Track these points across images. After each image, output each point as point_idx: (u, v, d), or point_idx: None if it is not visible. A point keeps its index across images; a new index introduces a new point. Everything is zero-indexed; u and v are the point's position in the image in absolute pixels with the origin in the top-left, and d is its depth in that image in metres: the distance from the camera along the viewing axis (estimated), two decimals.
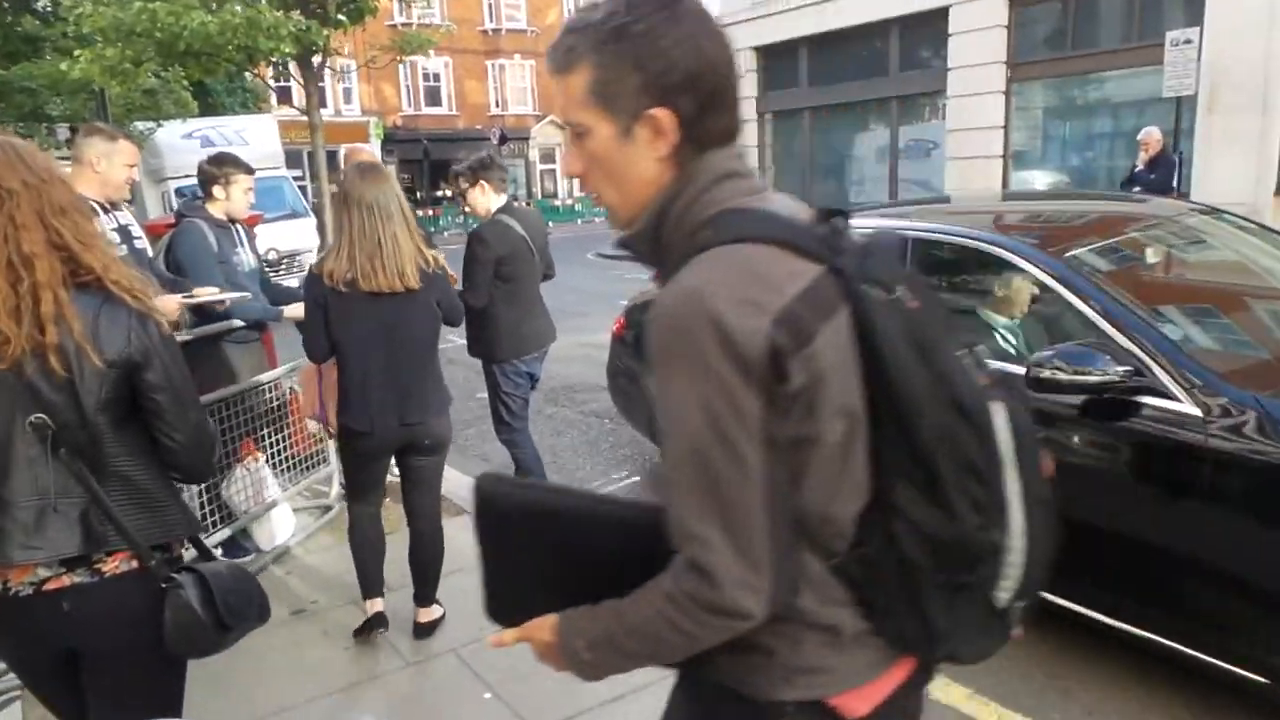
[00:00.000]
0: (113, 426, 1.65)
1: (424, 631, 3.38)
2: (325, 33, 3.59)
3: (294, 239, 12.85)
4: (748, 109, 19.75)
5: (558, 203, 37.36)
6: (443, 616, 3.45)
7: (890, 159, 17.57)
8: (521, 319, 4.25)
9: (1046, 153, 15.66)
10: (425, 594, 3.40)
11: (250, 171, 4.05)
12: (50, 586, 1.64)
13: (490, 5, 37.24)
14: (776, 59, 19.18)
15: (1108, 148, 14.81)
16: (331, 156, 33.47)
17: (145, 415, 1.70)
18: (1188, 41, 10.89)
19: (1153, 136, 9.85)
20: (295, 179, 16.61)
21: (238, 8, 3.49)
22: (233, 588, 1.78)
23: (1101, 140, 14.90)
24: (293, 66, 3.85)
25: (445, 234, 26.49)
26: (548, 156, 40.15)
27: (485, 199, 4.18)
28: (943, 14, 15.45)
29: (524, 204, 4.35)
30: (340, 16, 3.87)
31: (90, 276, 1.64)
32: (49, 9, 15.53)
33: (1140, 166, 9.81)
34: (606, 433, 6.28)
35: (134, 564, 1.69)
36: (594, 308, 12.26)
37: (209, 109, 18.49)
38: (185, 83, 14.74)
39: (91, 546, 1.63)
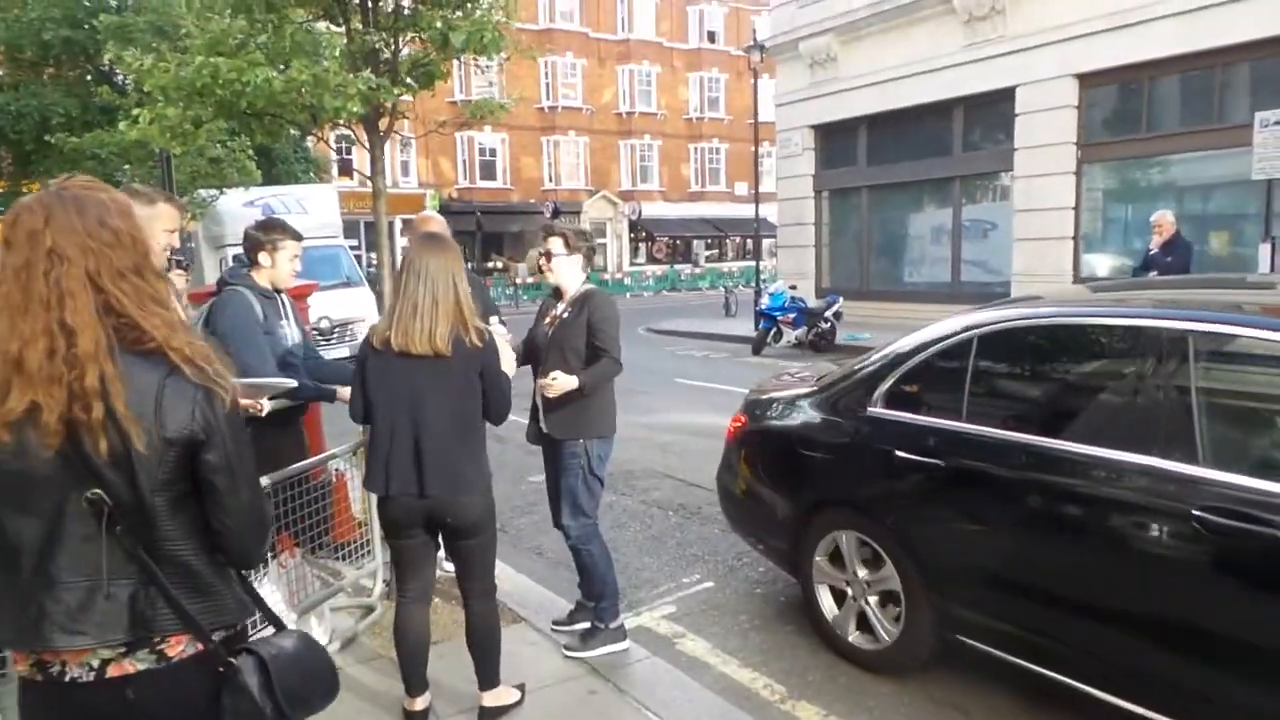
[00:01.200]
0: (169, 507, 1.55)
1: (489, 716, 3.24)
2: (396, 92, 3.46)
3: (347, 308, 12.78)
4: (804, 186, 19.59)
5: (606, 276, 37.45)
6: (519, 701, 3.31)
7: (953, 239, 17.12)
8: (612, 395, 3.92)
9: (1118, 236, 15.11)
10: (483, 676, 3.24)
11: (298, 238, 3.76)
12: (113, 673, 1.54)
13: (547, 83, 38.12)
14: (834, 137, 19.02)
15: (1188, 231, 14.18)
16: (390, 227, 34.24)
17: (199, 495, 1.59)
18: (1278, 123, 10.38)
19: (1166, 219, 9.58)
20: (352, 248, 16.71)
21: (305, 66, 3.37)
22: (295, 670, 1.66)
23: (1181, 224, 14.26)
24: (357, 130, 3.79)
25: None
26: (599, 230, 40.47)
27: (578, 273, 3.84)
28: (1009, 94, 15.16)
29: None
30: (409, 80, 3.76)
31: (152, 344, 1.54)
32: (126, 81, 16.02)
33: (1154, 250, 9.49)
34: (673, 527, 5.77)
35: (197, 646, 1.59)
36: (649, 385, 11.88)
37: (272, 179, 18.81)
38: (250, 151, 14.97)
39: (139, 631, 1.53)
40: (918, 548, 3.48)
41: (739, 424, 4.47)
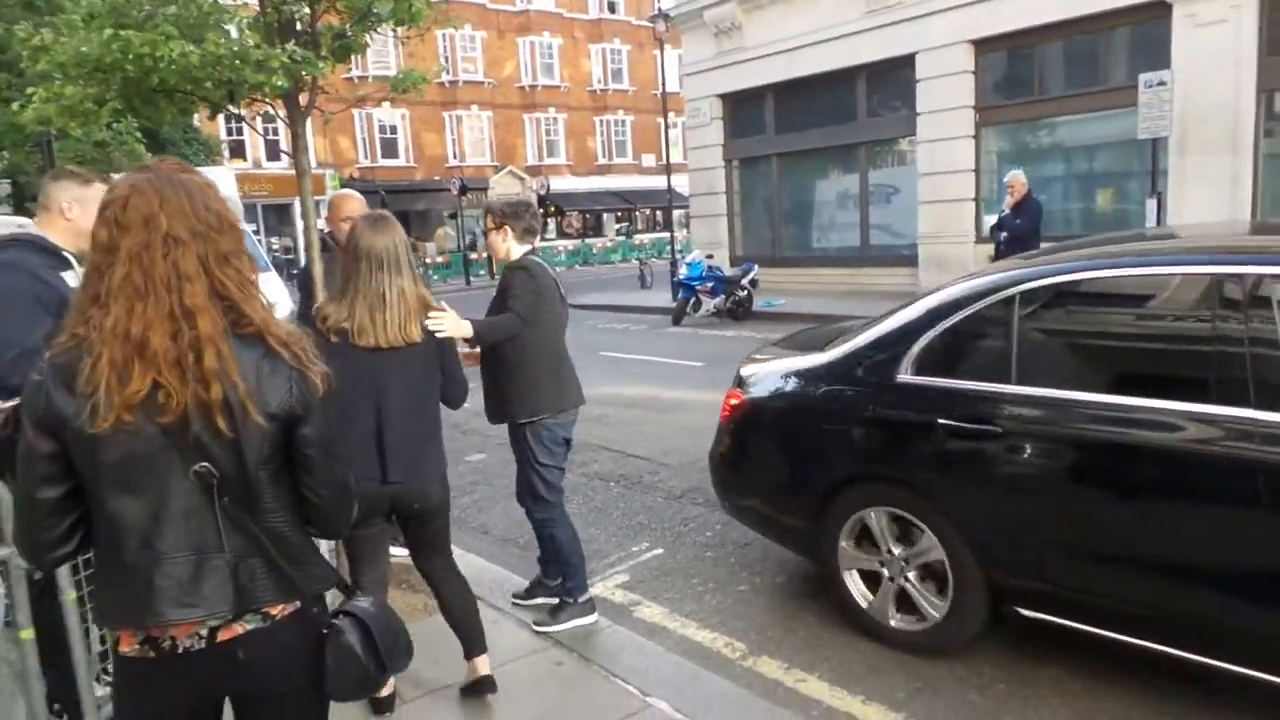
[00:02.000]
0: (270, 480, 1.61)
1: (489, 684, 3.20)
2: (321, 65, 3.27)
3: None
4: (714, 156, 19.72)
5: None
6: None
7: (860, 204, 17.55)
8: (559, 370, 3.79)
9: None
10: (476, 642, 3.20)
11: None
12: (223, 636, 1.60)
13: (446, 57, 37.19)
14: (742, 106, 19.19)
15: (1077, 189, 14.93)
16: (284, 209, 32.82)
17: (293, 469, 1.65)
18: (1161, 83, 10.99)
19: (1018, 180, 9.78)
20: (253, 232, 16.04)
21: (222, 39, 3.14)
22: (387, 628, 1.78)
23: (1070, 183, 15.02)
24: (276, 107, 3.58)
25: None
26: None
27: (506, 245, 3.77)
28: (909, 61, 15.56)
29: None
30: (325, 54, 3.57)
31: (251, 328, 1.59)
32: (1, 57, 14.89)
33: (1006, 210, 9.75)
34: (615, 498, 5.80)
35: (297, 605, 1.66)
36: (575, 359, 11.81)
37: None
38: (138, 134, 14.16)
39: (243, 603, 1.58)
40: (968, 519, 3.29)
41: (736, 401, 4.16)
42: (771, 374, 4.19)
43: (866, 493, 3.62)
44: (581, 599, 3.84)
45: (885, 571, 3.60)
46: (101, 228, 1.55)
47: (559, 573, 3.89)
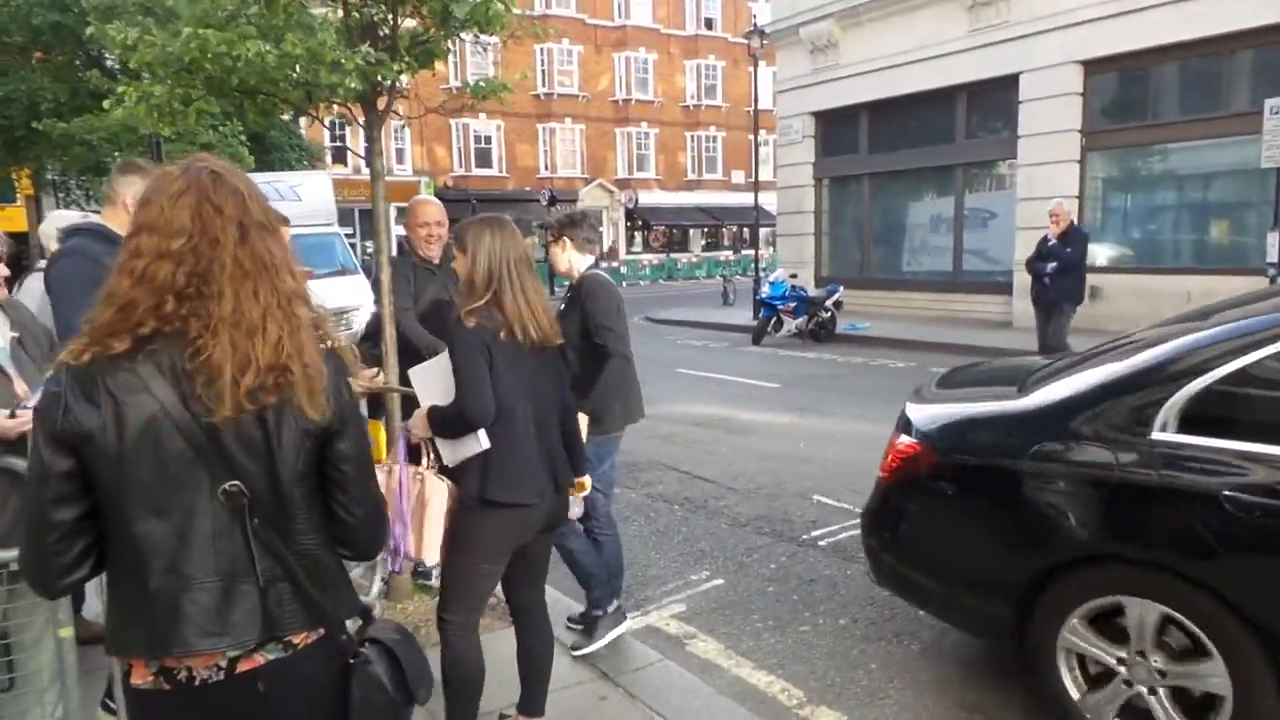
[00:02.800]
0: (305, 499, 1.52)
1: None
2: (396, 69, 3.26)
3: (343, 296, 12.58)
4: (804, 174, 19.40)
5: (603, 265, 37.25)
6: None
7: (954, 228, 16.96)
8: (632, 381, 3.75)
9: (1118, 225, 14.97)
10: (539, 702, 2.93)
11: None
12: (243, 668, 1.49)
13: (543, 70, 37.81)
14: (835, 124, 18.83)
15: (1189, 220, 14.09)
16: (386, 213, 34.21)
17: (327, 486, 1.55)
18: None
19: (1062, 209, 9.39)
20: (346, 236, 16.49)
21: (298, 40, 3.17)
22: (413, 657, 1.69)
23: (1181, 212, 14.19)
24: (354, 110, 3.61)
25: None
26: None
27: (566, 256, 3.69)
28: (1012, 81, 14.99)
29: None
30: (408, 58, 3.56)
31: (314, 326, 1.55)
32: (116, 66, 15.73)
33: (1052, 240, 9.29)
34: (678, 521, 5.62)
35: (319, 632, 1.55)
36: (650, 374, 11.70)
37: (265, 165, 18.54)
38: (243, 137, 14.71)
39: (270, 630, 1.48)
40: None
41: (913, 453, 3.38)
42: (956, 421, 3.49)
43: (1105, 575, 2.91)
44: (610, 609, 3.72)
45: (1122, 671, 2.87)
46: (184, 208, 1.45)
47: (583, 583, 3.74)
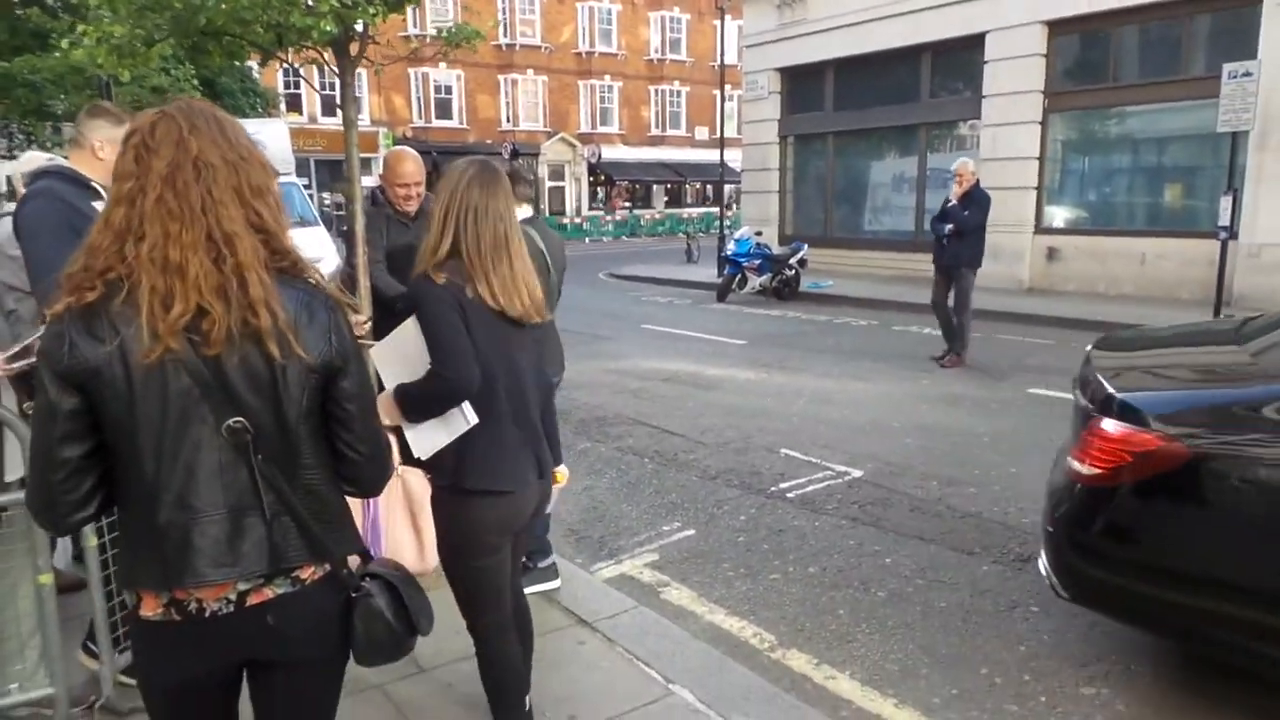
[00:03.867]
0: (310, 436, 1.54)
1: None
2: (371, 11, 3.16)
3: (304, 247, 12.36)
4: (769, 131, 19.34)
5: (565, 220, 36.92)
6: None
7: (918, 188, 17.08)
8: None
9: (1075, 187, 15.22)
10: (516, 708, 2.64)
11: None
12: (253, 601, 1.53)
13: (505, 20, 36.95)
14: (801, 81, 18.75)
15: (1144, 183, 14.36)
16: (337, 165, 33.14)
17: (331, 424, 1.57)
18: (1246, 74, 10.44)
19: (966, 168, 8.88)
20: (304, 186, 16.14)
21: None
22: (413, 590, 1.72)
23: (1136, 175, 14.45)
24: (325, 55, 3.48)
25: None
26: (557, 173, 39.76)
27: None
28: (978, 40, 15.03)
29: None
30: (378, 2, 3.46)
31: (286, 264, 1.54)
32: (58, 4, 15.04)
33: (953, 201, 8.84)
34: (649, 474, 5.68)
35: (326, 568, 1.60)
36: (616, 331, 11.73)
37: None
38: (195, 81, 14.23)
39: (276, 562, 1.52)
40: None
41: (1154, 448, 2.77)
42: (1220, 406, 2.94)
43: None
44: (542, 564, 3.76)
45: None
46: (128, 153, 1.48)
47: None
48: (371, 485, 1.71)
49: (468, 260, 2.26)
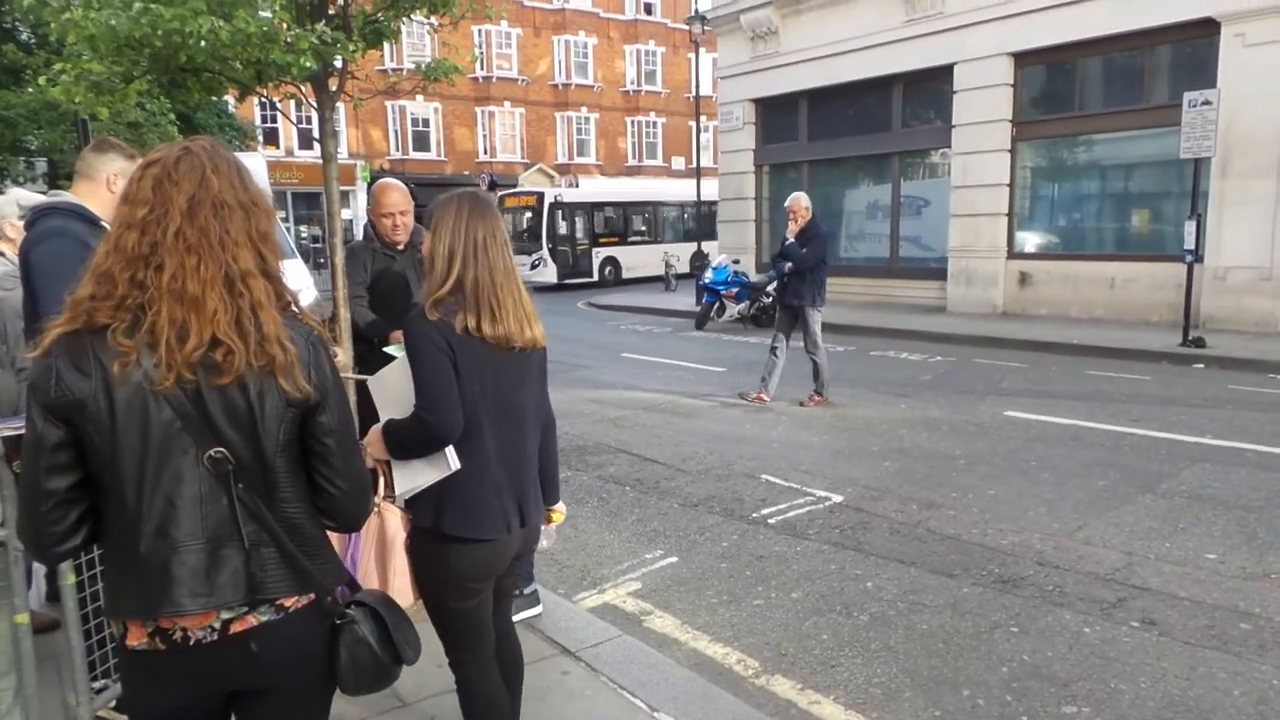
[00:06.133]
0: (289, 469, 1.57)
1: None
2: (351, 48, 3.20)
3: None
4: (744, 161, 19.58)
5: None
6: None
7: (891, 215, 17.33)
8: None
9: (1045, 213, 15.50)
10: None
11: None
12: (237, 629, 1.54)
13: (481, 53, 37.25)
14: (775, 112, 19.04)
15: (1111, 209, 14.66)
16: (314, 198, 33.02)
17: (310, 459, 1.60)
18: (1206, 103, 10.73)
19: (799, 205, 8.52)
20: (281, 219, 16.11)
21: (251, 17, 3.09)
22: (399, 620, 1.73)
23: (1104, 201, 14.75)
24: (305, 91, 3.53)
25: None
26: None
27: None
28: (947, 72, 15.36)
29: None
30: (356, 39, 3.51)
31: (284, 305, 1.59)
32: (33, 40, 15.05)
33: (790, 239, 8.48)
34: (630, 503, 5.69)
35: (310, 596, 1.61)
36: (596, 359, 11.76)
37: None
38: (171, 116, 14.24)
39: (253, 592, 1.53)
40: None
41: None
42: None
43: None
44: (526, 591, 3.77)
45: None
46: (144, 180, 1.52)
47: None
48: (350, 520, 1.71)
49: (476, 293, 2.19)
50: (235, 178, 1.57)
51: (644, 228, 28.97)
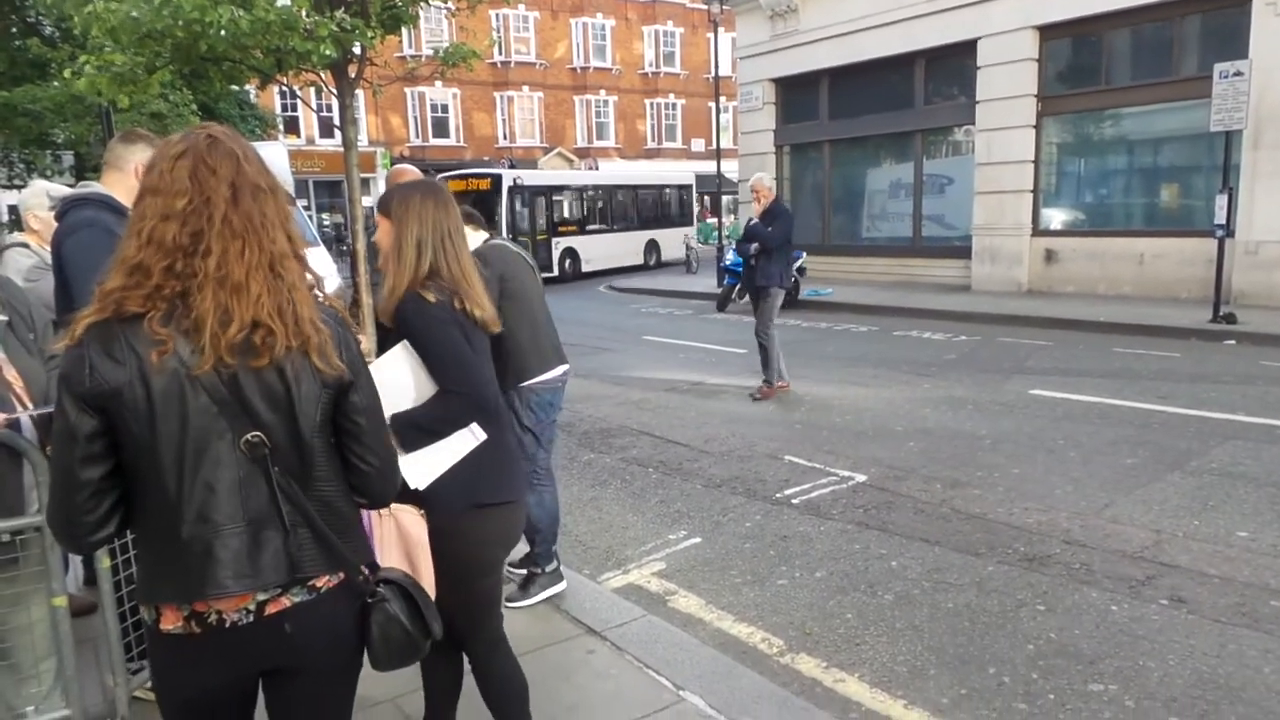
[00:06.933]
0: (325, 449, 1.59)
1: None
2: (370, 34, 3.22)
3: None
4: (765, 141, 19.44)
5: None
6: None
7: (915, 194, 17.15)
8: (539, 335, 3.79)
9: (1071, 189, 15.27)
10: None
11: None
12: (271, 610, 1.56)
13: (499, 37, 37.18)
14: (795, 91, 18.87)
15: (1140, 184, 14.42)
16: (335, 186, 33.19)
17: (342, 438, 1.62)
18: (1237, 74, 10.49)
19: (763, 184, 8.34)
20: (304, 208, 16.24)
21: (270, 6, 3.12)
22: (425, 597, 1.78)
23: (1133, 176, 14.51)
24: (325, 78, 3.55)
25: None
26: None
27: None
28: (970, 47, 15.13)
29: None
30: (375, 25, 3.52)
31: (311, 286, 1.60)
32: (56, 34, 15.19)
33: (754, 219, 8.28)
34: (654, 484, 5.71)
35: (340, 576, 1.63)
36: (618, 343, 11.77)
37: None
38: (194, 107, 14.35)
39: (293, 572, 1.56)
40: None
41: None
42: None
43: None
44: (549, 568, 3.83)
45: None
46: (177, 170, 1.51)
47: (529, 540, 3.84)
48: (382, 496, 1.75)
49: (453, 280, 2.27)
50: (259, 163, 1.59)
51: (617, 213, 25.53)
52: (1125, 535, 4.51)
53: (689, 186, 28.60)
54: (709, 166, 25.44)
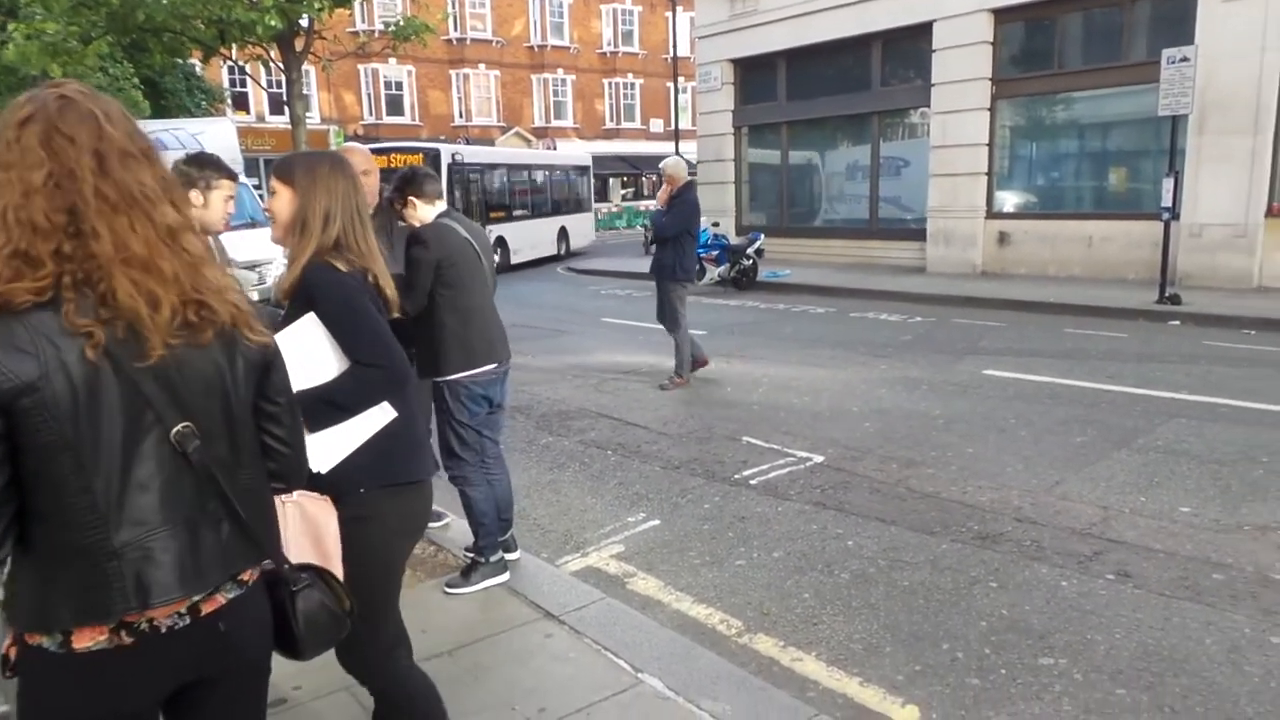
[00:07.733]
0: (249, 435, 1.50)
1: None
2: (318, 6, 3.09)
3: (254, 249, 12.08)
4: (723, 122, 19.42)
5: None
6: None
7: (871, 176, 17.28)
8: (469, 330, 3.72)
9: (1024, 172, 15.51)
10: None
11: (234, 177, 3.39)
12: (206, 610, 1.45)
13: (454, 14, 36.56)
14: (754, 72, 18.86)
15: (1090, 167, 14.69)
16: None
17: (260, 420, 1.53)
18: (1184, 60, 10.70)
19: (674, 170, 7.88)
20: (254, 187, 15.85)
21: None
22: (336, 579, 1.74)
23: (1083, 160, 14.77)
24: (270, 51, 3.38)
25: None
26: None
27: (417, 214, 3.75)
28: (926, 29, 15.23)
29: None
30: None
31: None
32: None
33: (658, 206, 7.99)
34: (612, 466, 5.69)
35: (259, 569, 1.56)
36: (576, 325, 11.71)
37: (162, 112, 17.49)
38: (136, 81, 13.88)
39: (229, 568, 1.47)
40: None
41: None
42: None
43: None
44: (493, 559, 3.81)
45: None
46: (30, 139, 1.29)
47: (473, 530, 3.84)
48: (296, 478, 1.69)
49: (360, 254, 2.15)
50: (127, 122, 1.39)
51: (537, 199, 22.84)
52: (1074, 512, 4.61)
53: (587, 168, 25.91)
54: (668, 148, 25.35)
